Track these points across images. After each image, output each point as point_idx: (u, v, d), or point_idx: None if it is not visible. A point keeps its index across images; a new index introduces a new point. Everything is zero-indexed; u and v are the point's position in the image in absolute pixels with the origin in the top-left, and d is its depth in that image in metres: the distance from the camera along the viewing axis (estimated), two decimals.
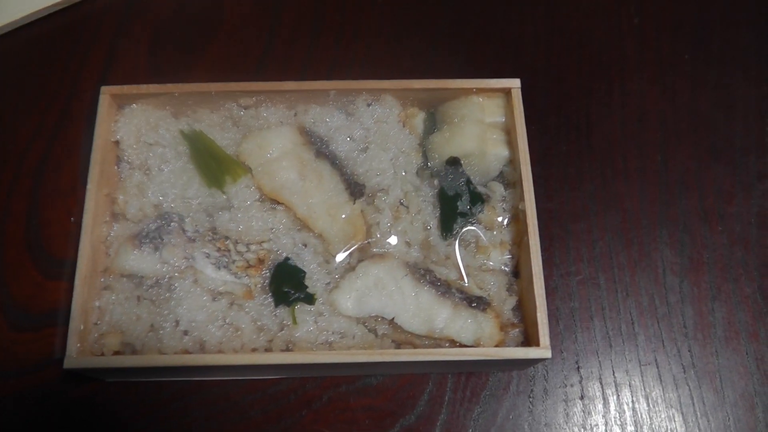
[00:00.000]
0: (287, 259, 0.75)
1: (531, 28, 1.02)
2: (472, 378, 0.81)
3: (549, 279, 0.84)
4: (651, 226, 0.90)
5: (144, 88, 0.81)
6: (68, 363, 0.71)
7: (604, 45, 1.01)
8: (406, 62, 0.97)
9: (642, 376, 0.83)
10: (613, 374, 0.83)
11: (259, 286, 0.74)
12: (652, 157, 0.94)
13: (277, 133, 0.79)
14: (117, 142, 0.82)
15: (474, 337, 0.73)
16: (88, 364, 0.71)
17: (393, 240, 0.76)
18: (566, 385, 0.82)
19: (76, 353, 0.72)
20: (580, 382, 0.82)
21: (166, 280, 0.75)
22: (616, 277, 0.87)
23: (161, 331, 0.73)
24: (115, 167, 0.82)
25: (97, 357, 0.72)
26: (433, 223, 0.78)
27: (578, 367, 0.83)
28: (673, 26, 1.02)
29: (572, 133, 0.95)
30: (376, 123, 0.81)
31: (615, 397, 0.82)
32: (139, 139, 0.81)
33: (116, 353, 0.74)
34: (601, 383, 0.82)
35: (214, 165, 0.78)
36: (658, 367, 0.83)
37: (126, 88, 0.81)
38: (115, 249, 0.78)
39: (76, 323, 0.73)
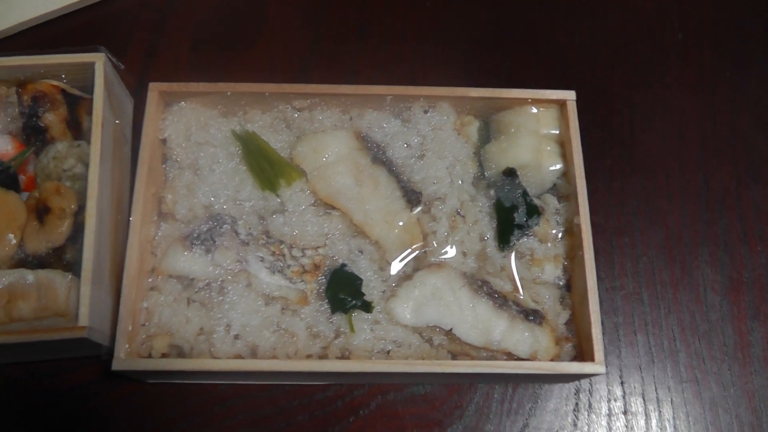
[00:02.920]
0: (343, 265, 0.74)
1: (575, 39, 1.01)
2: (519, 389, 0.81)
3: None
4: (692, 244, 0.90)
5: (194, 86, 0.79)
6: (117, 365, 0.69)
7: (647, 59, 1.01)
8: (453, 68, 0.96)
9: (683, 393, 0.83)
10: (656, 390, 0.83)
11: (314, 291, 0.73)
12: (693, 174, 0.94)
13: (333, 137, 0.78)
14: (164, 140, 0.80)
15: (530, 350, 0.73)
16: (138, 366, 0.69)
17: (450, 250, 0.75)
18: (610, 400, 0.82)
19: (124, 355, 0.70)
20: (624, 396, 0.82)
21: (218, 283, 0.73)
22: (658, 293, 0.87)
23: (214, 335, 0.71)
24: (162, 166, 0.80)
25: (148, 360, 0.70)
26: (490, 234, 0.77)
27: (622, 382, 0.83)
28: (715, 43, 1.03)
29: (616, 147, 0.95)
30: (433, 130, 0.80)
31: (657, 413, 0.82)
32: (188, 138, 0.79)
33: (163, 355, 0.72)
34: (643, 399, 0.83)
35: (268, 167, 0.77)
36: (698, 385, 0.84)
37: (176, 86, 0.79)
38: (162, 249, 0.76)
39: (124, 324, 0.71)
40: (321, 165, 0.77)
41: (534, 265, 0.77)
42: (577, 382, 0.82)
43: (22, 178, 0.82)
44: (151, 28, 0.96)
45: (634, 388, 0.83)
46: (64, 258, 0.77)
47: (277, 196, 0.76)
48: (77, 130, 0.82)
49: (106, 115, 0.79)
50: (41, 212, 0.77)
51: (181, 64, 0.93)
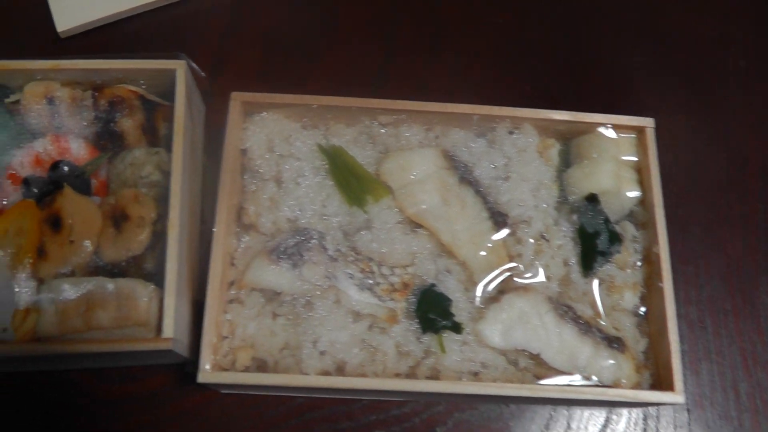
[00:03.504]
0: (432, 285, 0.73)
1: (639, 61, 1.02)
2: (591, 414, 0.81)
3: None
4: (753, 273, 0.91)
5: (278, 97, 0.78)
6: (203, 378, 0.68)
7: (709, 85, 1.02)
8: (527, 87, 0.96)
9: (744, 422, 0.84)
10: (718, 418, 0.84)
11: (403, 310, 0.72)
12: (753, 205, 0.95)
13: (420, 155, 0.77)
14: (243, 151, 0.78)
15: (614, 377, 0.73)
16: (225, 379, 0.69)
17: (535, 273, 0.75)
18: (676, 427, 0.83)
19: (210, 367, 0.69)
20: (689, 424, 0.83)
21: (304, 298, 0.72)
22: (720, 321, 0.89)
23: (303, 351, 0.70)
24: (243, 177, 0.78)
25: (237, 374, 0.69)
26: (573, 259, 0.77)
27: (687, 410, 0.84)
28: None
29: (681, 174, 0.96)
30: (517, 152, 0.80)
31: None
32: (270, 150, 0.78)
33: (246, 368, 0.71)
34: (707, 426, 0.83)
35: (355, 183, 0.76)
36: (759, 414, 0.85)
37: (259, 96, 0.78)
38: (244, 261, 0.74)
39: (209, 336, 0.70)
40: (408, 183, 0.76)
41: (613, 292, 0.77)
42: (645, 408, 0.83)
43: (93, 182, 0.80)
44: (222, 33, 0.94)
45: (699, 416, 0.84)
46: (142, 267, 0.75)
47: (365, 212, 0.75)
48: (153, 136, 0.80)
49: (187, 124, 0.77)
50: (118, 219, 0.75)
51: (250, 71, 0.92)
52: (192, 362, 0.73)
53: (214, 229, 0.73)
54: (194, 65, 0.79)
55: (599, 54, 1.02)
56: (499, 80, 0.97)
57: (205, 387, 0.77)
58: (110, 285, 0.72)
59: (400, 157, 0.77)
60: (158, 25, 0.94)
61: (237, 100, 0.77)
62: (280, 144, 0.78)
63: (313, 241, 0.73)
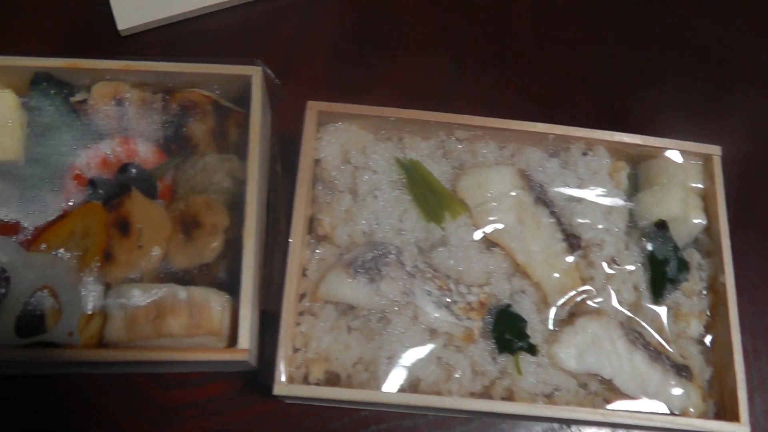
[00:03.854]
0: (508, 305, 0.73)
1: (701, 85, 1.02)
2: None
3: None
4: None
5: (355, 108, 0.77)
6: (279, 390, 0.68)
7: (765, 111, 1.02)
8: (589, 104, 0.96)
9: None
10: None
11: (480, 329, 0.72)
12: None
13: (498, 173, 0.77)
14: (317, 161, 0.78)
15: (682, 405, 0.73)
16: (303, 393, 0.68)
17: (607, 298, 0.75)
18: None
19: (286, 379, 0.68)
20: None
21: (382, 313, 0.71)
22: None
23: (377, 365, 0.69)
24: (315, 187, 0.78)
25: (314, 387, 0.68)
26: (643, 285, 0.77)
27: None
28: None
29: (738, 202, 0.96)
30: (591, 174, 0.79)
31: None
32: (346, 161, 0.77)
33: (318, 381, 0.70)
34: None
35: (433, 199, 0.75)
36: None
37: (335, 106, 0.77)
38: (317, 273, 0.73)
39: (285, 349, 0.69)
40: (485, 200, 0.76)
41: (680, 320, 0.77)
42: None
43: (158, 185, 0.78)
44: (289, 37, 0.93)
45: None
46: (210, 275, 0.74)
47: (442, 228, 0.75)
48: (222, 142, 0.79)
49: (262, 132, 0.76)
50: (189, 226, 0.74)
51: (316, 77, 0.91)
52: (260, 372, 0.71)
53: (290, 240, 0.72)
54: (269, 71, 0.78)
55: (662, 75, 1.02)
56: (562, 96, 0.96)
57: (270, 396, 0.76)
58: (182, 292, 0.71)
59: (478, 175, 0.77)
60: (220, 27, 0.93)
61: (313, 109, 0.77)
62: (355, 155, 0.77)
63: (391, 256, 0.72)
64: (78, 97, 0.79)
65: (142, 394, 0.78)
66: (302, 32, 0.94)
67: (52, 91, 0.78)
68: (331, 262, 0.74)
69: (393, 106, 0.78)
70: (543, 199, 0.77)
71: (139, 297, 0.71)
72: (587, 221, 0.77)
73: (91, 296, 0.73)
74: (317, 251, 0.74)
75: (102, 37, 0.92)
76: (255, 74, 0.77)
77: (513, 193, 0.76)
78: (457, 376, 0.70)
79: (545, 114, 0.91)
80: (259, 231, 0.77)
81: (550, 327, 0.74)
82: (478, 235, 0.75)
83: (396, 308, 0.71)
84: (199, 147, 0.78)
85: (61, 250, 0.74)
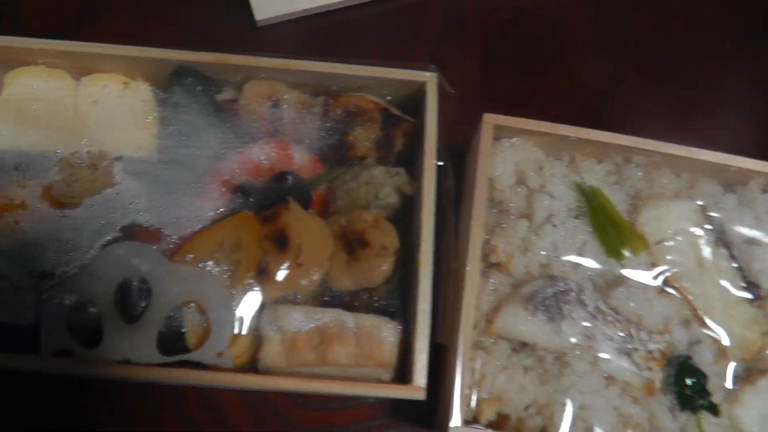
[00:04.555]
0: (688, 357, 0.69)
1: None
2: None
3: None
4: None
5: (534, 123, 0.71)
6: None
7: None
8: (747, 130, 0.90)
9: None
10: None
11: (660, 381, 0.68)
12: None
13: (679, 207, 0.72)
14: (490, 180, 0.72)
15: None
16: None
17: None
18: None
19: (462, 421, 0.63)
20: None
21: (558, 355, 0.67)
22: None
23: (553, 411, 0.65)
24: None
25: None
26: None
27: None
28: None
29: None
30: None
31: None
32: (521, 182, 0.71)
33: (490, 424, 0.66)
34: None
35: (613, 231, 0.70)
36: None
37: (513, 120, 0.71)
38: (490, 305, 0.68)
39: (461, 387, 0.64)
40: (664, 237, 0.71)
41: None
42: None
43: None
44: (436, 36, 0.85)
45: None
46: (373, 300, 0.68)
47: (622, 265, 0.70)
48: (385, 153, 0.72)
49: (438, 145, 0.70)
50: (353, 244, 0.68)
51: (469, 83, 0.83)
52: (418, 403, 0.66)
53: (468, 269, 0.66)
54: (443, 79, 0.71)
55: None
56: (723, 119, 0.90)
57: (418, 422, 0.72)
58: (350, 319, 0.65)
59: (659, 208, 0.71)
60: (361, 22, 0.84)
61: (489, 123, 0.70)
62: (532, 176, 0.71)
63: (572, 293, 0.67)
64: (225, 95, 0.71)
65: (280, 414, 0.73)
66: (451, 31, 0.86)
67: (198, 88, 0.70)
68: (506, 295, 0.68)
69: (548, 118, 0.71)
70: (723, 240, 0.72)
71: (301, 320, 0.65)
72: (766, 268, 0.72)
73: (242, 315, 0.66)
74: (491, 281, 0.69)
75: (236, 26, 0.85)
76: (429, 81, 0.70)
77: (693, 231, 0.71)
78: (634, 429, 0.66)
79: (707, 140, 0.85)
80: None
81: (729, 384, 0.69)
82: (658, 275, 0.70)
83: (578, 352, 0.66)
84: (358, 156, 0.71)
85: (210, 263, 0.67)
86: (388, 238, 0.67)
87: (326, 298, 0.67)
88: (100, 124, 0.73)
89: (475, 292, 0.66)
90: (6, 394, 0.74)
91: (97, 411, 0.74)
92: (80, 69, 0.74)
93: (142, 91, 0.73)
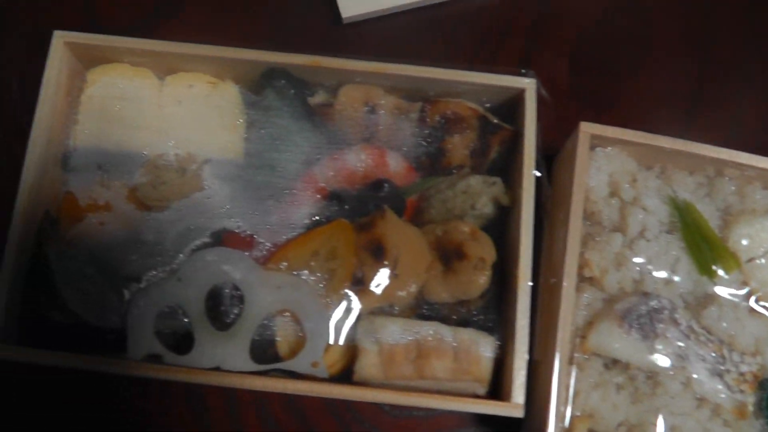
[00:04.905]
0: None
1: None
2: None
3: None
4: None
5: (630, 133, 0.70)
6: None
7: None
8: None
9: None
10: None
11: (751, 405, 0.68)
12: None
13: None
14: None
15: None
16: None
17: None
18: None
19: None
20: None
21: (652, 373, 0.67)
22: None
23: (641, 429, 0.65)
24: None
25: None
26: None
27: None
28: None
29: None
30: None
31: None
32: (614, 194, 0.71)
33: None
34: None
35: (706, 248, 0.70)
36: None
37: (610, 130, 0.70)
38: (582, 320, 0.68)
39: (558, 404, 0.64)
40: (756, 255, 0.70)
41: None
42: None
43: None
44: (526, 34, 0.83)
45: None
46: (467, 313, 0.68)
47: (714, 283, 0.69)
48: (479, 161, 0.71)
49: (536, 155, 0.69)
50: (449, 256, 0.67)
51: (558, 84, 0.81)
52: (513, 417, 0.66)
53: (564, 284, 0.66)
54: (540, 84, 0.69)
55: None
56: None
57: None
58: (448, 333, 0.65)
59: (753, 224, 0.71)
60: (447, 20, 0.82)
61: (586, 132, 0.69)
62: (626, 188, 0.70)
63: (666, 311, 0.67)
64: (318, 99, 0.69)
65: (365, 421, 0.73)
66: (540, 30, 0.84)
67: (292, 91, 0.69)
68: (599, 310, 0.68)
69: (634, 124, 0.70)
70: None
71: (398, 333, 0.65)
72: None
73: (337, 326, 0.66)
74: (585, 296, 0.68)
75: (320, 23, 0.83)
76: (529, 88, 0.69)
77: None
78: None
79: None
80: None
81: None
82: (749, 294, 0.70)
83: (670, 372, 0.66)
84: (458, 165, 0.70)
85: (305, 272, 0.66)
86: (485, 250, 0.66)
87: (424, 310, 0.66)
88: (187, 125, 0.71)
89: (571, 307, 0.65)
90: (85, 392, 0.73)
91: (178, 410, 0.74)
92: (164, 67, 0.73)
93: (230, 92, 0.71)
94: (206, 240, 0.68)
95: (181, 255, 0.68)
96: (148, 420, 0.74)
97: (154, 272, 0.68)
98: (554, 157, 0.76)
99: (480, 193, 0.68)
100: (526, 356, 0.64)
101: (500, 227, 0.69)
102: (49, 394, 0.74)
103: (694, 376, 0.66)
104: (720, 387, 0.67)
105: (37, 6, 0.83)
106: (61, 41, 0.70)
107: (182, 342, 0.67)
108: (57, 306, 0.69)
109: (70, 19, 0.82)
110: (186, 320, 0.67)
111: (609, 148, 0.71)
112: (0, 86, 0.81)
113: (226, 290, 0.67)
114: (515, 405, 0.63)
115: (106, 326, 0.68)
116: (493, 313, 0.67)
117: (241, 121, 0.70)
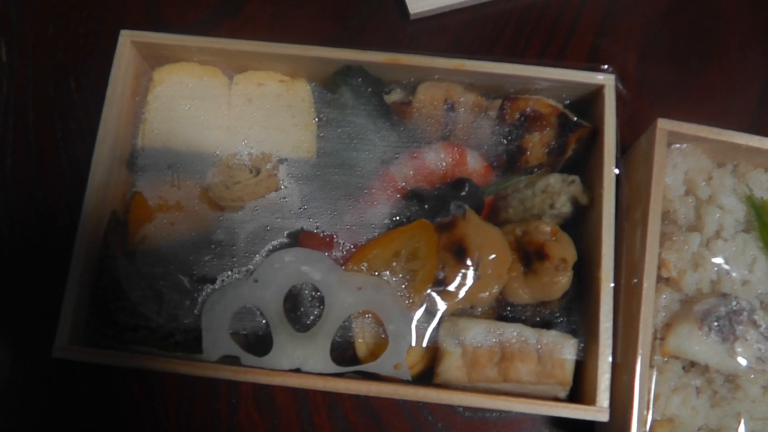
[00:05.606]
0: None
1: None
2: None
3: None
4: None
5: (708, 130, 0.69)
6: None
7: None
8: None
9: None
10: None
11: None
12: None
13: None
14: None
15: None
16: None
17: None
18: None
19: None
20: None
21: (732, 377, 0.67)
22: None
23: None
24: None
25: None
26: None
27: None
28: None
29: None
30: None
31: None
32: (691, 191, 0.70)
33: None
34: None
35: None
36: None
37: (686, 127, 0.69)
38: (664, 322, 0.68)
39: (640, 410, 0.64)
40: None
41: None
42: None
43: None
44: (594, 29, 0.82)
45: None
46: (546, 314, 0.68)
47: None
48: (555, 159, 0.71)
49: (615, 153, 0.68)
50: (530, 256, 0.67)
51: (627, 79, 0.80)
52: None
53: (645, 285, 0.66)
54: (618, 80, 0.69)
55: None
56: None
57: None
58: (532, 336, 0.65)
59: None
60: (514, 15, 0.81)
61: (663, 129, 0.68)
62: (702, 186, 0.70)
63: (745, 313, 0.67)
64: (395, 97, 0.68)
65: (438, 421, 0.73)
66: (609, 23, 0.83)
67: (368, 89, 0.68)
68: (677, 312, 0.68)
69: (704, 118, 0.69)
70: None
71: (482, 335, 0.65)
72: None
73: (420, 327, 0.66)
74: (663, 296, 0.68)
75: (387, 19, 0.81)
76: (608, 84, 0.68)
77: None
78: None
79: None
80: None
81: None
82: None
83: (751, 375, 0.66)
84: (536, 164, 0.69)
85: (386, 272, 0.66)
86: (567, 250, 0.66)
87: (506, 312, 0.66)
88: (258, 124, 0.70)
89: (651, 309, 0.65)
90: (151, 391, 0.73)
91: (246, 407, 0.73)
92: (231, 66, 0.71)
93: (303, 91, 0.70)
94: (283, 240, 0.67)
95: (257, 256, 0.67)
96: (217, 419, 0.73)
97: (229, 273, 0.67)
98: (624, 153, 0.75)
99: (559, 192, 0.67)
100: (610, 359, 0.63)
101: (576, 226, 0.69)
102: (113, 394, 0.73)
103: None
104: None
105: (98, 5, 0.81)
106: (127, 40, 0.69)
107: (258, 343, 0.66)
108: (125, 307, 0.68)
109: (131, 18, 0.80)
110: (263, 321, 0.66)
111: (684, 144, 0.70)
112: (60, 86, 0.79)
113: (306, 291, 0.66)
114: (600, 409, 0.63)
115: (175, 327, 0.67)
116: (573, 314, 0.66)
117: (314, 119, 0.69)
